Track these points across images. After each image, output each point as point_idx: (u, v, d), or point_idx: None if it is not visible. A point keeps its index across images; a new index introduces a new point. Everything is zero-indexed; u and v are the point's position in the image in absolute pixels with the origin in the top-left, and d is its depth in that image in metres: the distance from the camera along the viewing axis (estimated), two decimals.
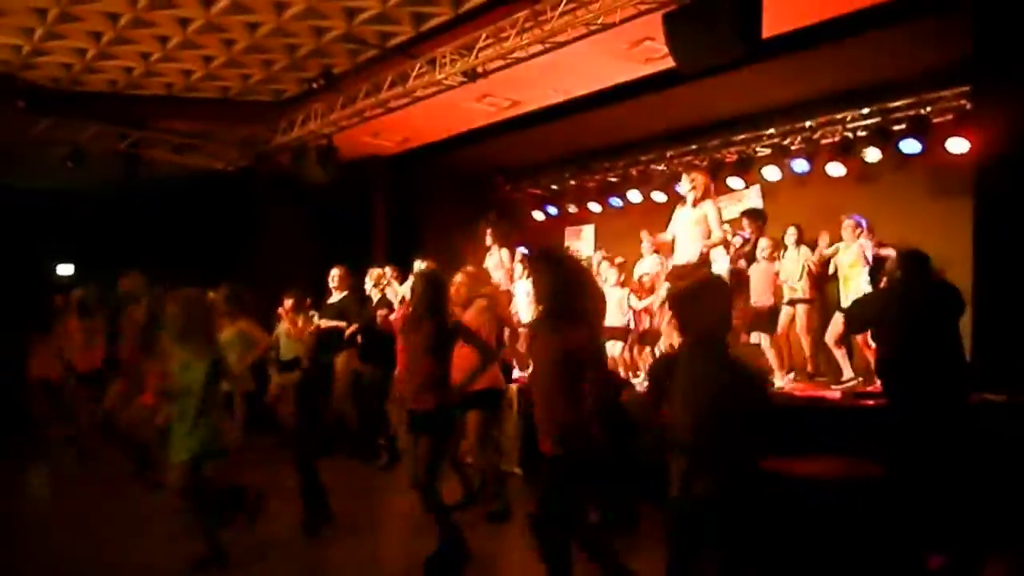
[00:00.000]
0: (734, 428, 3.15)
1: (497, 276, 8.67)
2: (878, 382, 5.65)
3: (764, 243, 7.73)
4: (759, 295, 7.65)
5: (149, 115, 10.02)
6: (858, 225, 7.40)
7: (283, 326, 8.98)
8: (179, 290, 5.01)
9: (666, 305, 6.93)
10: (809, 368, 7.84)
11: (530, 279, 6.08)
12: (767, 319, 7.63)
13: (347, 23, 7.55)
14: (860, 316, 5.60)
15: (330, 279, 7.86)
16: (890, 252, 6.66)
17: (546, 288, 3.84)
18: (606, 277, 8.45)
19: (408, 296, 6.02)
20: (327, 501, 5.68)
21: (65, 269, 13.14)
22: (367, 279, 7.24)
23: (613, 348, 8.45)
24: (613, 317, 8.28)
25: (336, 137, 9.68)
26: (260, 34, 7.82)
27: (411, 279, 6.47)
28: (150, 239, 11.43)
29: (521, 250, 9.15)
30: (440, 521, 4.79)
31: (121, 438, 7.39)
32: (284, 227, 11.59)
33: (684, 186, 7.08)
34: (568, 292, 3.76)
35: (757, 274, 7.76)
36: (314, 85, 8.70)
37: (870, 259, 7.25)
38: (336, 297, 8.09)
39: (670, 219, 7.21)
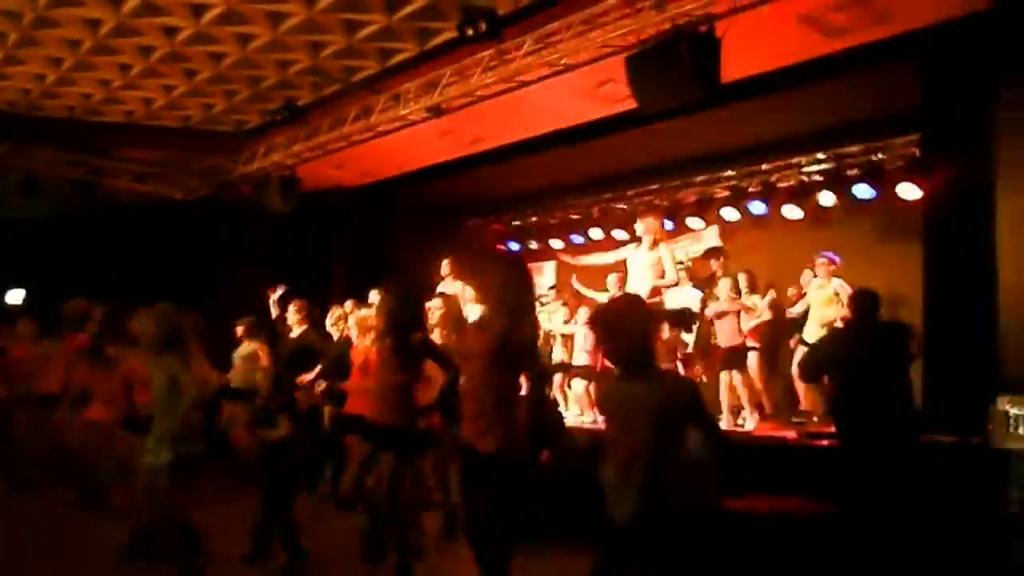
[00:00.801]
0: (671, 448, 3.08)
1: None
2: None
3: (725, 284, 7.79)
4: (728, 336, 7.69)
5: (108, 143, 9.91)
6: (831, 262, 7.53)
7: (241, 350, 8.90)
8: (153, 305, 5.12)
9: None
10: (767, 409, 7.92)
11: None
12: (739, 359, 7.66)
13: (312, 57, 7.58)
14: (812, 363, 5.69)
15: (289, 314, 7.76)
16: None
17: (492, 283, 3.90)
18: (576, 318, 8.55)
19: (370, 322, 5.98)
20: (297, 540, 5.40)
21: (14, 296, 12.81)
22: (327, 317, 7.16)
23: (578, 386, 8.53)
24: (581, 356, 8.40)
25: (299, 168, 9.65)
26: (224, 65, 7.80)
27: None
28: (105, 266, 11.20)
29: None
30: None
31: (67, 461, 7.30)
32: (243, 258, 11.46)
33: (639, 229, 7.26)
34: (511, 287, 3.82)
35: (723, 315, 7.81)
36: (277, 117, 8.72)
37: (844, 299, 7.25)
38: (297, 331, 7.98)
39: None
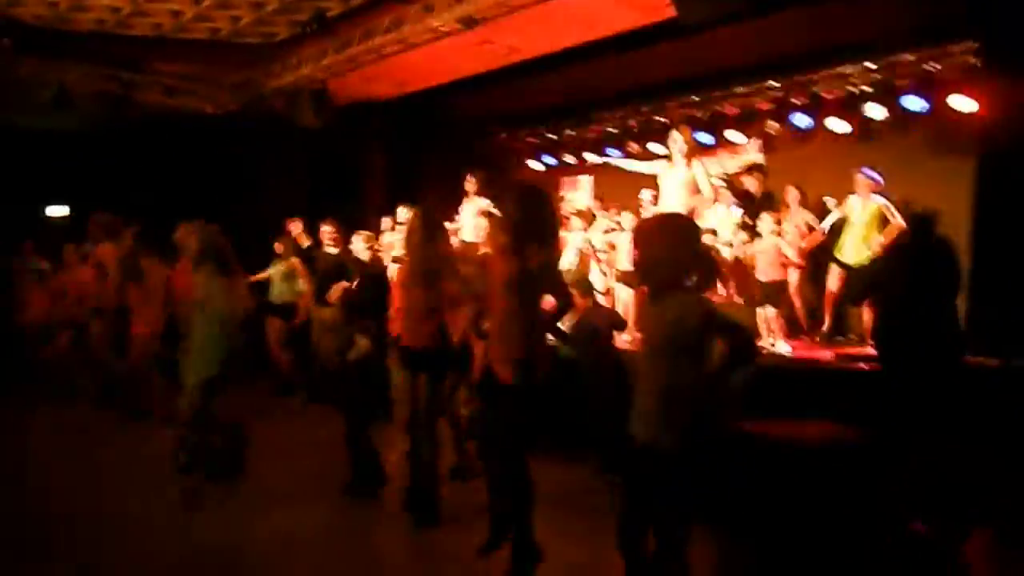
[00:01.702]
0: (692, 370, 2.98)
1: (471, 224, 8.49)
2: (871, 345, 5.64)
3: (768, 220, 7.53)
4: (767, 270, 7.50)
5: (139, 56, 9.79)
6: (872, 180, 7.21)
7: (279, 266, 8.98)
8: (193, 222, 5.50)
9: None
10: (803, 327, 7.82)
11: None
12: (776, 293, 7.48)
13: None
14: (861, 287, 5.56)
15: (324, 234, 7.74)
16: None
17: (511, 213, 3.89)
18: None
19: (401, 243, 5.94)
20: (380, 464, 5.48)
21: (56, 210, 12.99)
22: (355, 239, 7.11)
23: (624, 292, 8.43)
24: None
25: (330, 81, 9.49)
26: None
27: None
28: (136, 180, 11.25)
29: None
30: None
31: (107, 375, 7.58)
32: (275, 172, 11.44)
33: (672, 145, 7.00)
34: (530, 217, 3.81)
35: (765, 249, 7.61)
36: (307, 29, 8.52)
37: (892, 217, 7.01)
38: (333, 250, 7.99)
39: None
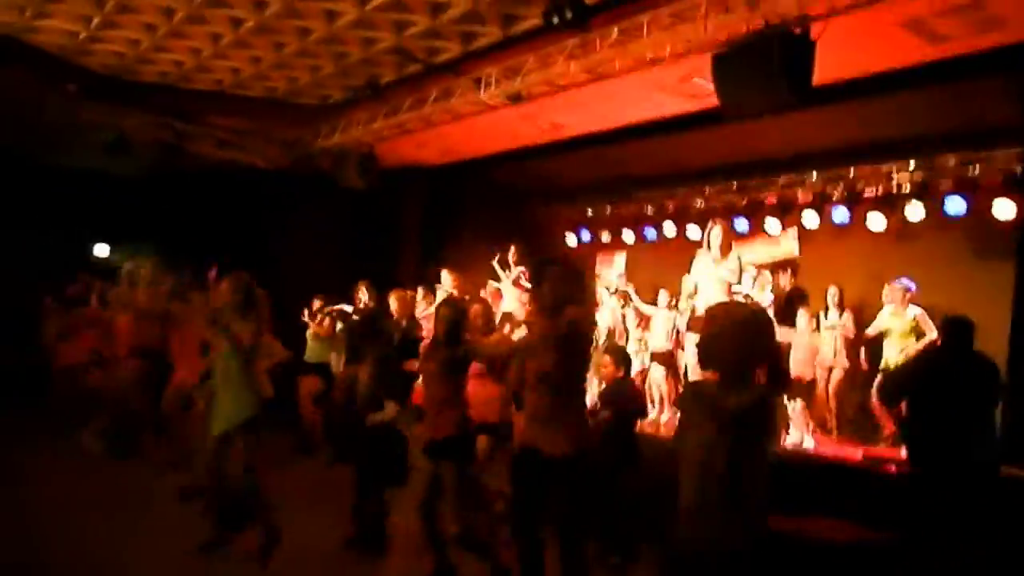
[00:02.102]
0: (749, 475, 2.87)
1: (513, 295, 8.57)
2: (903, 448, 5.51)
3: (804, 316, 7.52)
4: (800, 366, 7.45)
5: (196, 109, 10.15)
6: (907, 290, 7.17)
7: (316, 327, 9.04)
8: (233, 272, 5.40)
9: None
10: (832, 426, 7.68)
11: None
12: (806, 390, 7.41)
13: (396, 36, 7.59)
14: (895, 388, 5.46)
15: (360, 292, 7.85)
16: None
17: (553, 284, 3.93)
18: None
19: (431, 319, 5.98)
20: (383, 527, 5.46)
21: (101, 250, 13.33)
22: (391, 299, 7.18)
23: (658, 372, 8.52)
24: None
25: (378, 145, 9.74)
26: (310, 39, 7.88)
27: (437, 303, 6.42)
28: (182, 226, 11.55)
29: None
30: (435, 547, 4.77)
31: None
32: (314, 231, 11.64)
33: (713, 236, 7.04)
34: (569, 288, 3.88)
35: (800, 345, 7.56)
36: (360, 94, 8.79)
37: (928, 329, 6.94)
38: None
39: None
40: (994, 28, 5.87)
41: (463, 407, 4.85)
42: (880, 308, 7.53)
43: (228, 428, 5.12)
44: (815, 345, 7.26)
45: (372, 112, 9.27)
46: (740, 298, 7.36)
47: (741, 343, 2.96)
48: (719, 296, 6.70)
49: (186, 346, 7.44)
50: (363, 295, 7.78)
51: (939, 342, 5.18)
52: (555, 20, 6.48)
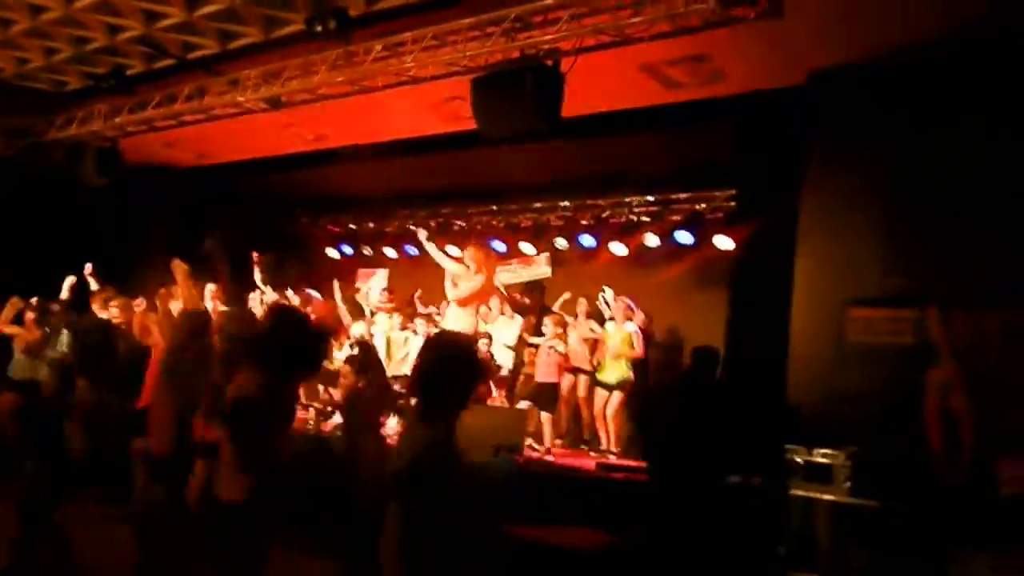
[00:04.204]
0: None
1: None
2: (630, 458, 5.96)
3: (550, 324, 7.97)
4: (544, 372, 7.85)
5: None
6: (629, 307, 7.83)
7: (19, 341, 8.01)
8: None
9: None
10: (585, 435, 8.15)
11: None
12: (549, 396, 7.80)
13: (146, 25, 7.11)
14: (642, 407, 5.94)
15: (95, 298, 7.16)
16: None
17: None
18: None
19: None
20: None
21: None
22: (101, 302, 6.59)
23: None
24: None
25: (124, 141, 9.00)
26: (44, 18, 7.17)
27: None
28: None
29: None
30: None
31: None
32: (48, 229, 10.48)
33: (470, 258, 7.28)
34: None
35: (544, 352, 7.97)
36: (102, 83, 8.11)
37: (639, 348, 7.61)
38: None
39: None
40: (718, 80, 6.63)
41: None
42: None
43: None
44: (558, 351, 7.77)
45: (116, 105, 8.55)
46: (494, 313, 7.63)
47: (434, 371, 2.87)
48: (464, 319, 6.95)
49: None
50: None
51: (689, 369, 5.67)
52: (318, 28, 6.42)
